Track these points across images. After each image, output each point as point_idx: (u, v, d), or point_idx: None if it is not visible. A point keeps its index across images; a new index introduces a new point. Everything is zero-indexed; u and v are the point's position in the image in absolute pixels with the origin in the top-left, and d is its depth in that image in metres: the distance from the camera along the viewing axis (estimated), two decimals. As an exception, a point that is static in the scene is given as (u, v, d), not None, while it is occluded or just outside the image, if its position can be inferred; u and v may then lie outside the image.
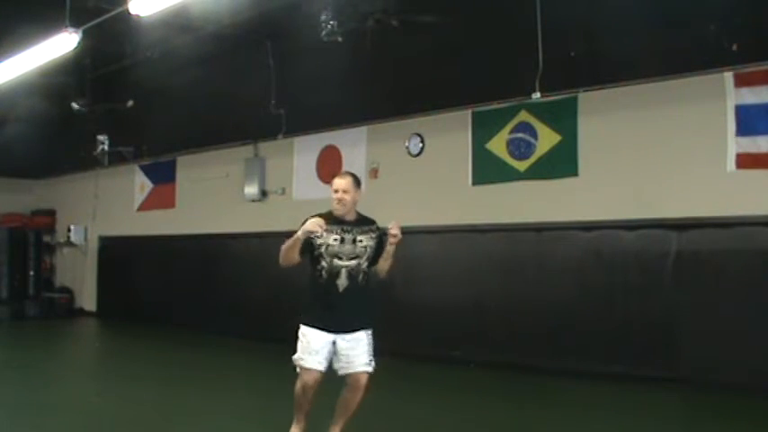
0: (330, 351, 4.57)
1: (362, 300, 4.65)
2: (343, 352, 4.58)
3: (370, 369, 4.61)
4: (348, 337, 4.58)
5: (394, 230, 4.47)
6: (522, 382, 7.71)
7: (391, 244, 4.55)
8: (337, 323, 4.57)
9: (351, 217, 4.67)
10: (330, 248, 4.57)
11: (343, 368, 4.60)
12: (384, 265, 4.69)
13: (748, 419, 5.98)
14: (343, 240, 4.58)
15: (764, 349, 6.64)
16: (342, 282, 4.58)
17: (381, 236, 4.66)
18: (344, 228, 4.61)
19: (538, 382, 7.66)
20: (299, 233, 4.46)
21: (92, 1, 8.39)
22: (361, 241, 4.61)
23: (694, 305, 7.12)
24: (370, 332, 4.66)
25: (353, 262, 4.59)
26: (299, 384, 4.59)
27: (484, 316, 8.55)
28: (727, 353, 6.82)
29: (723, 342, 6.86)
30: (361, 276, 4.63)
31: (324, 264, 4.59)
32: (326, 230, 4.53)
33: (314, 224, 4.42)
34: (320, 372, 4.55)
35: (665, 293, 7.33)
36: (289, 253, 4.54)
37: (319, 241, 4.56)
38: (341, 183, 4.65)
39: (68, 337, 13.01)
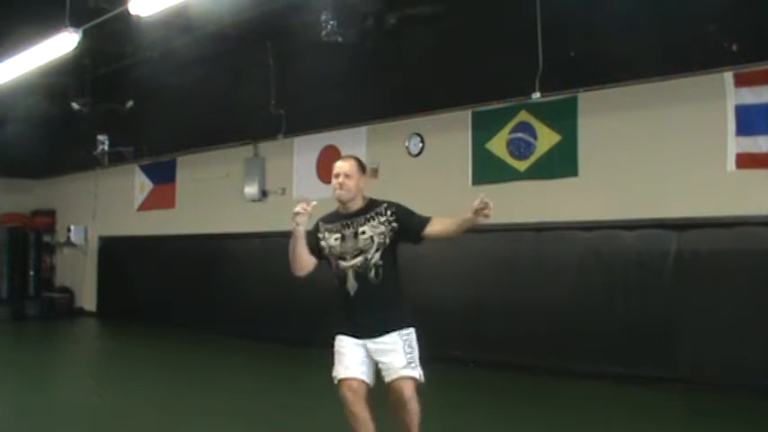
0: (366, 357, 3.97)
1: (382, 298, 3.98)
2: (376, 358, 3.95)
3: (412, 373, 3.87)
4: (377, 340, 3.95)
5: (481, 206, 3.76)
6: (522, 382, 7.71)
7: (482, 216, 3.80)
8: (361, 329, 3.98)
9: (355, 206, 4.05)
10: (333, 250, 4.04)
11: (384, 377, 3.94)
12: (450, 230, 4.01)
13: (748, 419, 5.98)
14: (344, 238, 4.01)
15: (764, 349, 6.65)
16: (350, 285, 3.98)
17: (397, 211, 4.03)
18: (345, 222, 4.03)
19: (538, 382, 7.66)
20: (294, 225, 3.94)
21: (92, 1, 8.40)
22: (363, 233, 3.97)
23: (694, 305, 7.12)
24: (406, 332, 3.97)
25: (359, 259, 3.95)
26: (342, 403, 3.94)
27: (484, 316, 8.54)
28: (727, 353, 6.82)
29: (723, 342, 6.86)
30: (372, 273, 3.95)
31: (332, 268, 4.08)
32: (327, 230, 4.08)
33: (298, 207, 3.89)
34: (357, 380, 3.90)
35: (665, 293, 7.33)
36: (294, 255, 4.00)
37: (322, 243, 4.07)
38: (342, 166, 4.05)
39: (68, 337, 13.01)
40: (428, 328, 8.97)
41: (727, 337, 6.85)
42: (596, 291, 7.78)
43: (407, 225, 4.01)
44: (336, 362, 4.01)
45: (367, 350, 3.97)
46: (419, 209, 4.18)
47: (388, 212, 4.02)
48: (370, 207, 4.07)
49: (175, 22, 9.05)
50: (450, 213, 9.52)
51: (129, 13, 7.39)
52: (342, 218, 4.07)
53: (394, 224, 3.99)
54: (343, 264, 4.00)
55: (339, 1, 8.47)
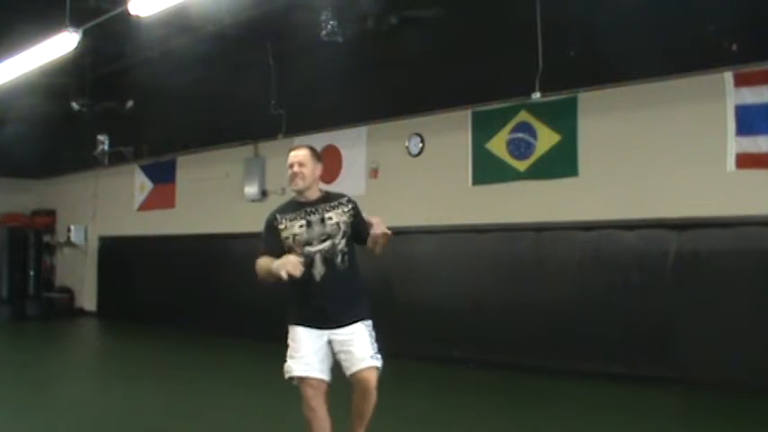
0: (327, 353, 4.04)
1: (349, 285, 4.08)
2: (341, 348, 4.00)
3: (376, 363, 3.99)
4: (342, 331, 4.01)
5: (379, 230, 3.99)
6: (522, 382, 7.71)
7: (380, 244, 4.02)
8: (325, 318, 4.02)
9: (314, 195, 4.16)
10: (298, 238, 4.05)
11: (346, 368, 4.01)
12: (376, 249, 4.08)
13: (748, 419, 5.98)
14: (309, 224, 4.05)
15: (765, 349, 6.64)
16: (318, 270, 4.01)
17: (356, 207, 4.17)
18: (308, 209, 4.10)
19: (538, 382, 7.66)
20: (275, 268, 3.82)
21: (92, 1, 8.39)
22: (330, 218, 4.06)
23: (694, 305, 7.12)
24: (368, 323, 4.08)
25: (326, 244, 4.02)
26: (302, 399, 4.02)
27: (483, 316, 8.54)
28: (727, 353, 6.82)
29: (723, 342, 6.86)
30: (339, 258, 4.04)
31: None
32: (288, 219, 4.10)
33: (295, 266, 3.78)
34: (317, 379, 3.99)
35: (665, 293, 7.33)
36: (266, 278, 4.00)
37: (284, 234, 4.08)
38: (297, 155, 4.14)
39: (68, 337, 13.00)
40: (428, 329, 9.04)
41: (727, 337, 6.85)
42: (596, 291, 7.78)
43: (359, 225, 4.14)
44: (292, 356, 4.05)
45: (329, 343, 4.03)
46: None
47: (350, 206, 4.15)
48: (332, 198, 4.19)
49: (175, 22, 9.05)
50: (451, 213, 9.55)
51: (129, 13, 7.39)
52: (304, 206, 4.14)
53: (353, 219, 4.13)
54: (309, 249, 4.03)
55: (339, 1, 8.47)
